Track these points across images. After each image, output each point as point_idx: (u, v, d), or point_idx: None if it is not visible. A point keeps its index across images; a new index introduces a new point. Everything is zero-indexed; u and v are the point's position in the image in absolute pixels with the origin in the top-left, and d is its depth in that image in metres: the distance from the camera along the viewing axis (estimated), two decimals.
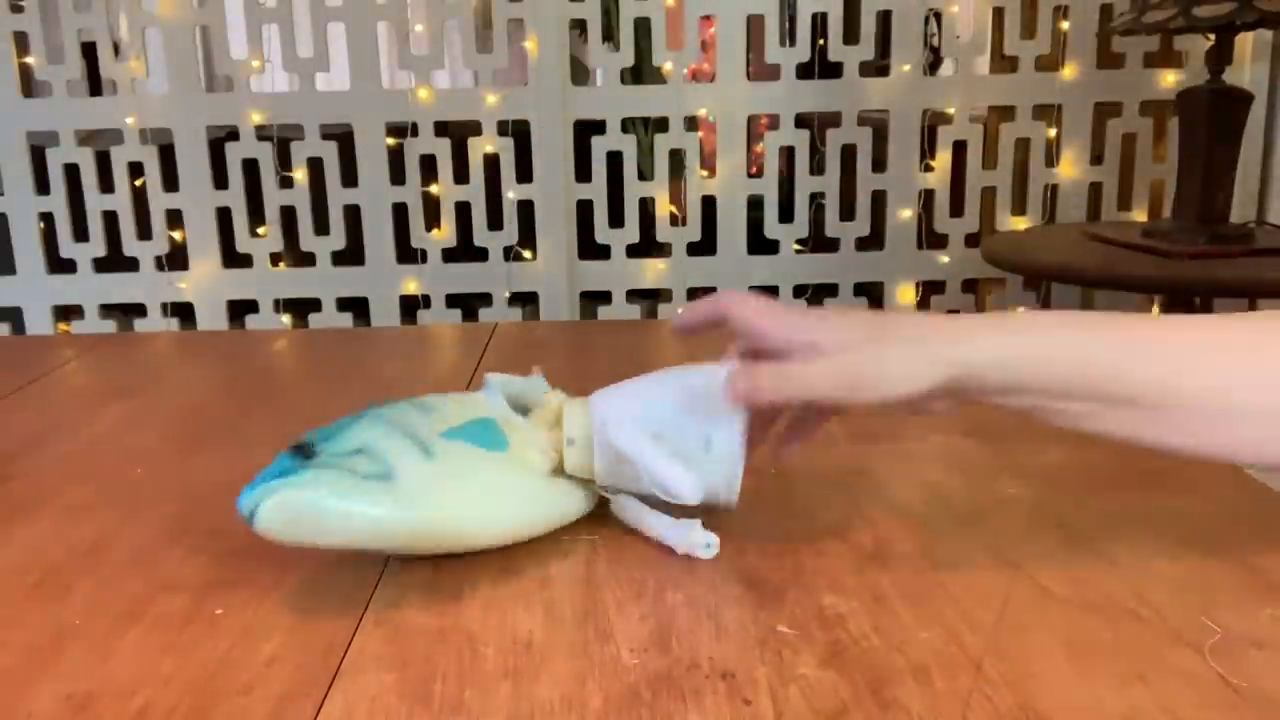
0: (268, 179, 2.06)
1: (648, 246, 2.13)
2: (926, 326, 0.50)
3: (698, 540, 0.52)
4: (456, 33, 2.04)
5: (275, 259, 2.10)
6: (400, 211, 2.08)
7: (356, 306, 2.14)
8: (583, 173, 2.09)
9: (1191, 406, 0.47)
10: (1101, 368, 0.48)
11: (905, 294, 2.14)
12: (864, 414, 0.58)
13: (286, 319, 2.13)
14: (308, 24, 2.00)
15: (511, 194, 2.08)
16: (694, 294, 2.15)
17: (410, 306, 2.13)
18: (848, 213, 2.11)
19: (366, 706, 0.40)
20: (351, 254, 2.10)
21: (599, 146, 2.07)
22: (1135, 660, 0.42)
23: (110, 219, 2.08)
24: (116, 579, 0.51)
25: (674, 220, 2.10)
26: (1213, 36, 1.67)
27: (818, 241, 2.12)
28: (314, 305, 2.14)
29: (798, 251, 2.13)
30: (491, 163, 2.06)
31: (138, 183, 2.07)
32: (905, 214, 2.09)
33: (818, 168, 2.09)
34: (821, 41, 2.05)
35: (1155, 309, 2.03)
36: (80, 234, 2.08)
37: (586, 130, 2.07)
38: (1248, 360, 0.47)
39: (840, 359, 0.49)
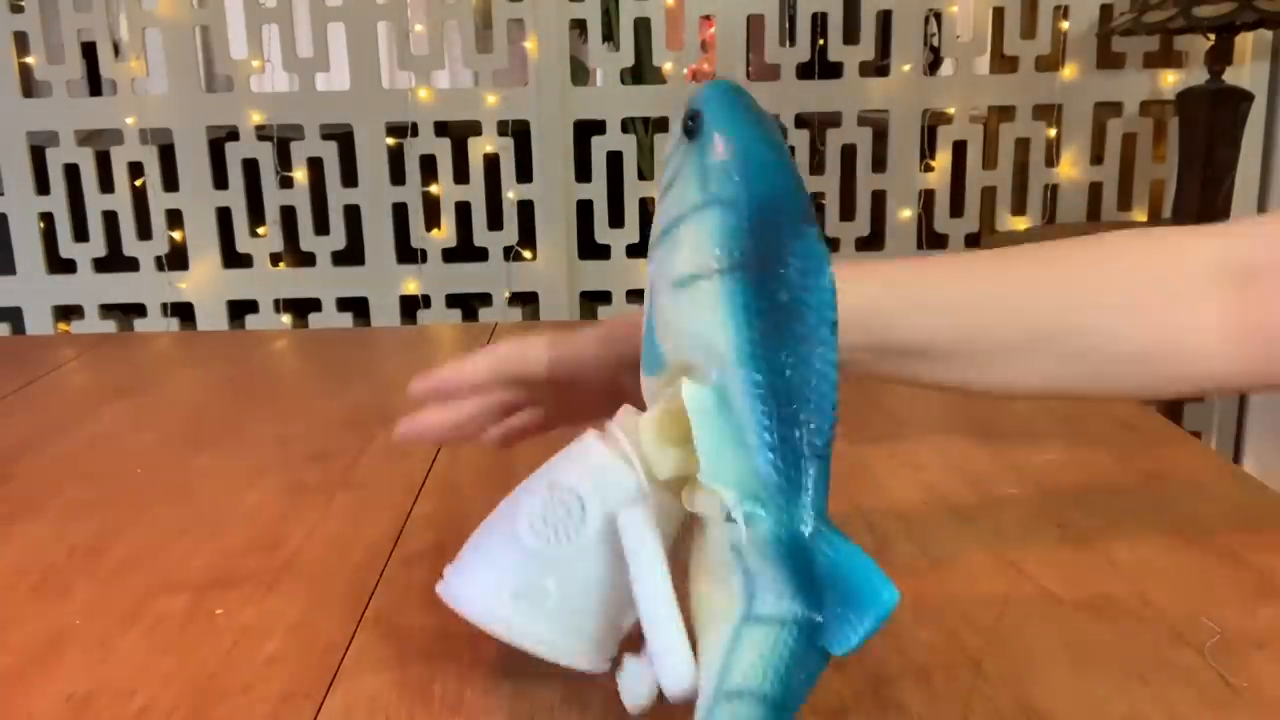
0: (268, 179, 2.05)
1: (648, 246, 2.13)
2: None
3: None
4: (456, 33, 2.04)
5: (275, 259, 2.10)
6: (400, 211, 2.08)
7: (356, 306, 2.14)
8: (583, 173, 2.09)
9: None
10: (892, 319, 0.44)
11: None
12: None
13: (286, 319, 2.13)
14: (308, 24, 1.99)
15: (511, 194, 2.07)
16: None
17: (410, 306, 2.13)
18: (848, 213, 2.10)
19: (366, 706, 0.39)
20: (351, 254, 2.10)
21: (599, 146, 2.07)
22: (1135, 660, 0.42)
23: (110, 219, 2.08)
24: (116, 579, 0.51)
25: None
26: (1213, 36, 1.67)
27: None
28: (314, 305, 2.13)
29: None
30: (491, 163, 2.06)
31: (138, 183, 2.06)
32: (905, 214, 2.09)
33: (818, 168, 2.09)
34: (821, 41, 2.05)
35: None
36: (80, 234, 2.08)
37: (586, 130, 2.07)
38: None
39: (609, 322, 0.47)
